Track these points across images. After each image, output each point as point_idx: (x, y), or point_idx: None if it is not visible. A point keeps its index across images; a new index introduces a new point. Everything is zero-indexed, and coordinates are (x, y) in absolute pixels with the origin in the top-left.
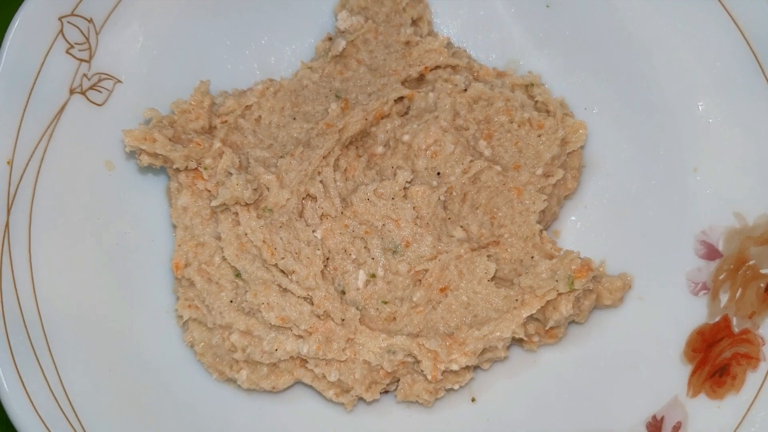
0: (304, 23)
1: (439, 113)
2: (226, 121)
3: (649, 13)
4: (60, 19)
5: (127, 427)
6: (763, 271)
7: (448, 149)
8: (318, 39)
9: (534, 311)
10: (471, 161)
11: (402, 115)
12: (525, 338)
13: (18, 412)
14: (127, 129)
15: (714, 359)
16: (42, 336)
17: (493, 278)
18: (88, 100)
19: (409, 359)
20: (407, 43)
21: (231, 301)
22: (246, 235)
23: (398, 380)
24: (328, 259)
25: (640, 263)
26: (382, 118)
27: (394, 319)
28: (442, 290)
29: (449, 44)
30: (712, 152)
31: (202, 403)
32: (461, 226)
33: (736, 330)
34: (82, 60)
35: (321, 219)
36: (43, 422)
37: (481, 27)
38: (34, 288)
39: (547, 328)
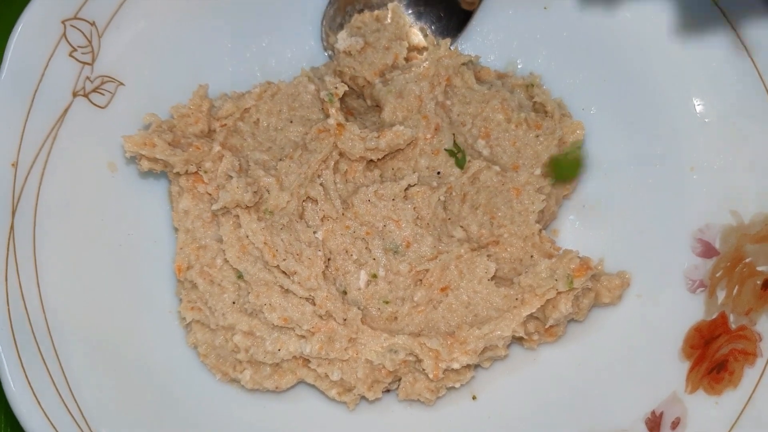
0: (305, 26)
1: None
2: (225, 125)
3: (645, 14)
4: (63, 22)
5: (131, 425)
6: (759, 269)
7: (448, 144)
8: (318, 42)
9: (534, 310)
10: (470, 161)
11: None
12: (525, 337)
13: (24, 412)
14: (127, 135)
15: (712, 355)
16: (47, 336)
17: (493, 278)
18: (91, 102)
19: (411, 358)
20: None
21: (233, 303)
22: (247, 237)
23: (400, 379)
24: (329, 259)
25: (638, 261)
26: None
27: (396, 318)
28: (442, 290)
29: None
30: (709, 151)
31: (205, 404)
32: (461, 227)
33: (734, 326)
34: (84, 63)
35: (322, 220)
36: (50, 421)
37: (479, 29)
38: (39, 289)
39: (546, 327)
